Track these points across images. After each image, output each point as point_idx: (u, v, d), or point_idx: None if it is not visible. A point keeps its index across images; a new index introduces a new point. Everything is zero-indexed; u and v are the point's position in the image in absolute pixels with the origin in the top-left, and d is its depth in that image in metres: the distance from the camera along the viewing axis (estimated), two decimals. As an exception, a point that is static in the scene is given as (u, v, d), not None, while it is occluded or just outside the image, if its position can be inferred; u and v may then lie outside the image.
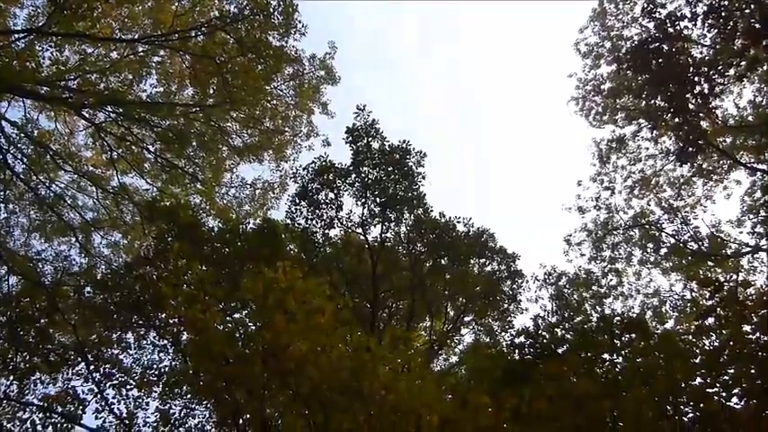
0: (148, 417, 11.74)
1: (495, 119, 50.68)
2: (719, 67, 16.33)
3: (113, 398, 11.73)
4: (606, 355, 12.18)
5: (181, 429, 11.59)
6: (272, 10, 16.82)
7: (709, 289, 11.07)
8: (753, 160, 21.39)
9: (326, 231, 17.72)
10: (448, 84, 50.78)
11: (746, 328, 10.23)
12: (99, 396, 11.60)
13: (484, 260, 19.40)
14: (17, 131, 18.55)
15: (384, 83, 48.74)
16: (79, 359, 11.99)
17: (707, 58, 16.79)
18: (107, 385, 11.82)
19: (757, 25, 14.94)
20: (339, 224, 17.69)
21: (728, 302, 10.53)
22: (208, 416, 11.79)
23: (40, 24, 15.99)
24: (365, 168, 17.44)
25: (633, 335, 12.10)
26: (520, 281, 19.54)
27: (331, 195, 17.48)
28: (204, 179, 20.98)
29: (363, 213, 17.58)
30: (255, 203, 21.79)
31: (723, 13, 15.26)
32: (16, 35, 16.13)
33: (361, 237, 17.97)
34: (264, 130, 20.64)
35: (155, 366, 12.64)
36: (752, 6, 15.13)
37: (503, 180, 49.51)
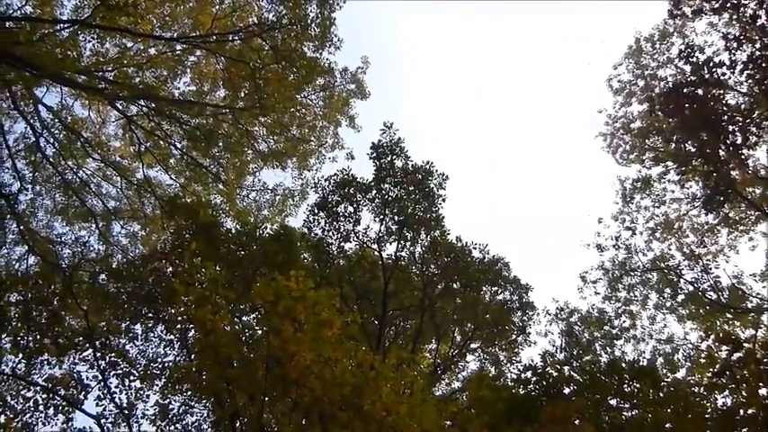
0: (148, 409, 11.84)
1: (518, 146, 50.56)
2: (755, 117, 16.11)
3: (116, 387, 11.82)
4: (613, 401, 11.94)
5: (178, 425, 11.61)
6: (309, 22, 17.05)
7: (728, 346, 10.82)
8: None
9: (342, 244, 17.80)
10: (471, 110, 50.89)
11: (763, 391, 9.95)
12: (102, 383, 11.67)
13: (496, 288, 19.25)
14: (52, 116, 18.98)
15: (406, 104, 48.95)
16: (87, 345, 12.09)
17: (742, 106, 16.58)
18: (111, 374, 11.90)
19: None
20: (355, 238, 17.76)
21: (746, 361, 10.27)
22: (206, 415, 11.82)
23: (85, 16, 16.40)
24: (386, 185, 17.51)
25: (643, 382, 11.86)
26: (531, 313, 19.36)
27: (350, 209, 17.57)
28: (227, 180, 21.19)
29: (380, 230, 17.63)
30: (274, 209, 21.93)
31: (763, 64, 15.08)
32: (62, 25, 16.55)
33: (376, 253, 17.99)
34: (290, 138, 20.81)
35: (159, 360, 12.75)
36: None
37: (521, 208, 49.25)
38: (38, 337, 12.15)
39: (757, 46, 15.05)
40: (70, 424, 11.37)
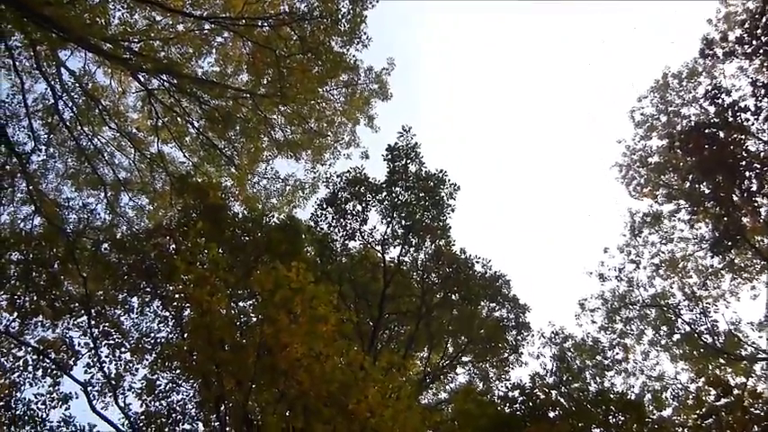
0: (135, 383, 11.85)
1: (533, 160, 50.48)
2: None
3: (106, 356, 11.86)
4: (597, 431, 11.89)
5: (163, 402, 11.60)
6: (340, 16, 17.08)
7: (717, 390, 10.79)
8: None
9: (346, 242, 17.82)
10: (490, 121, 50.85)
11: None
12: (93, 352, 11.71)
13: (494, 305, 19.22)
14: (73, 81, 19.05)
15: (425, 109, 48.98)
16: (82, 312, 12.13)
17: (762, 154, 16.51)
18: (103, 343, 11.95)
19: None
20: (360, 237, 17.76)
21: (734, 407, 10.22)
22: (192, 395, 11.80)
23: (118, -16, 16.49)
24: (398, 189, 17.51)
25: (629, 416, 11.81)
26: (526, 333, 19.30)
27: (359, 208, 17.56)
28: (239, 164, 21.22)
29: (386, 232, 17.63)
30: (283, 199, 21.95)
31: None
32: (93, -10, 16.63)
33: (379, 254, 17.98)
34: (308, 130, 20.84)
35: (152, 335, 12.73)
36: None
37: (527, 224, 49.07)
38: (35, 298, 12.20)
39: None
40: (57, 388, 11.40)
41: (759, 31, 15.25)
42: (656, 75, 22.66)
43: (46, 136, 19.48)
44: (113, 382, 11.55)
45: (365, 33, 17.80)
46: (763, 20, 15.11)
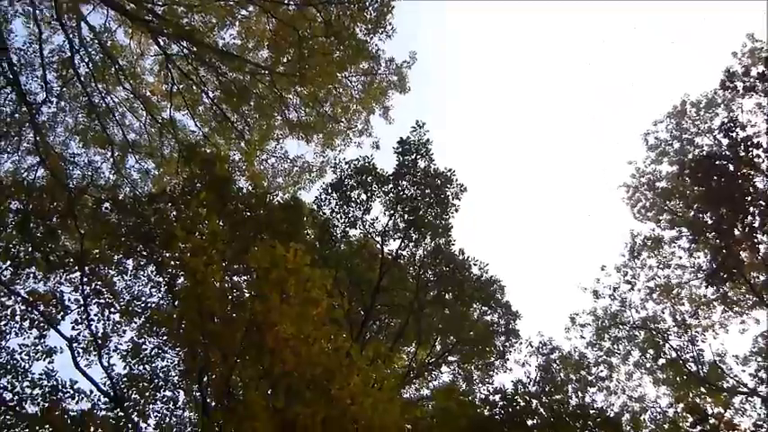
0: (121, 344, 11.85)
1: (542, 167, 50.43)
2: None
3: (95, 315, 11.83)
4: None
5: (147, 366, 11.63)
6: (367, 4, 17.00)
7: (695, 417, 10.87)
8: (779, 306, 20.93)
9: (347, 229, 17.80)
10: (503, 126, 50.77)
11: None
12: (82, 309, 11.70)
13: (486, 309, 19.24)
14: (92, 36, 18.97)
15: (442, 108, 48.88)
16: (76, 268, 12.11)
17: (768, 191, 16.52)
18: (93, 301, 11.91)
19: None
20: (362, 226, 17.74)
21: (708, 436, 10.29)
22: (177, 363, 11.82)
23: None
24: (404, 182, 17.48)
25: (605, 433, 11.87)
26: (514, 340, 19.34)
27: (363, 196, 17.54)
28: (250, 140, 21.18)
29: (388, 224, 17.61)
30: (289, 179, 21.95)
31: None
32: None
33: (378, 245, 17.98)
34: (322, 114, 20.79)
35: (143, 299, 12.73)
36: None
37: (526, 235, 49.02)
38: (30, 249, 12.17)
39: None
40: (42, 340, 11.39)
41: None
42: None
43: (59, 89, 19.43)
44: (99, 341, 11.52)
45: (390, 24, 17.74)
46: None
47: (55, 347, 11.35)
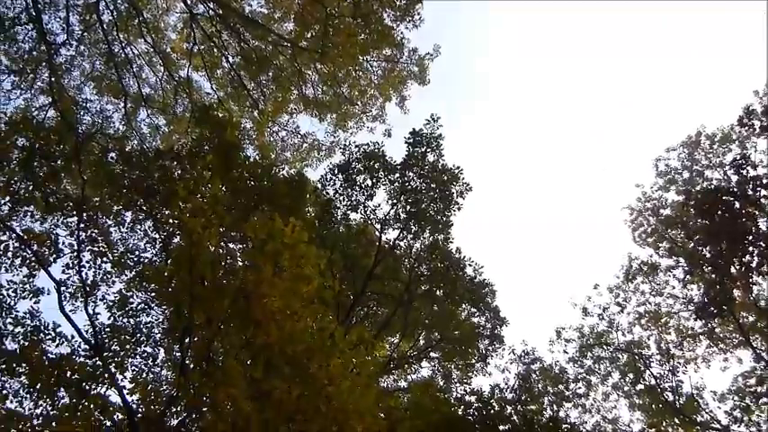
0: (108, 294, 11.87)
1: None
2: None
3: (87, 262, 11.84)
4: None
5: (131, 320, 11.66)
6: (399, -10, 16.88)
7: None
8: (764, 348, 20.98)
9: (348, 212, 17.79)
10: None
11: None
12: (75, 254, 11.70)
13: (475, 310, 19.27)
14: (120, -15, 18.85)
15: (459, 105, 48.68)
16: (74, 213, 12.10)
17: (770, 234, 16.51)
18: (87, 248, 11.92)
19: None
20: (363, 211, 17.72)
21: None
22: (161, 321, 11.85)
23: None
24: (411, 174, 17.43)
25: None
26: (497, 345, 19.39)
27: (369, 182, 17.51)
28: (263, 110, 21.09)
29: (389, 213, 17.60)
30: (297, 155, 21.89)
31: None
32: None
33: (377, 232, 17.98)
34: (339, 94, 20.68)
35: (137, 253, 12.73)
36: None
37: (525, 241, 48.98)
38: (31, 187, 12.15)
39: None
40: (31, 280, 11.42)
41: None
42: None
43: (80, 33, 19.33)
44: (88, 289, 11.54)
45: (419, 14, 17.62)
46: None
47: (42, 288, 11.37)
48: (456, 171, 17.44)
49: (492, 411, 13.77)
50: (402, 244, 18.30)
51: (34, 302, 11.19)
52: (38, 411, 9.74)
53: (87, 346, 10.75)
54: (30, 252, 11.53)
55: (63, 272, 11.59)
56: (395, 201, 17.51)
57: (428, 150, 17.39)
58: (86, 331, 11.02)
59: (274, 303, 9.66)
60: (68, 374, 9.92)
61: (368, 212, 17.73)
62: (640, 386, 22.11)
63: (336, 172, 17.59)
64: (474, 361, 19.25)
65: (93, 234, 12.18)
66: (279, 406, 9.26)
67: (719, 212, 16.26)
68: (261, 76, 20.29)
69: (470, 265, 18.67)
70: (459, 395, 15.60)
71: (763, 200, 16.13)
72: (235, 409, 9.03)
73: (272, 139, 21.72)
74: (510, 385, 18.76)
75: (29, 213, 12.13)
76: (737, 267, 16.71)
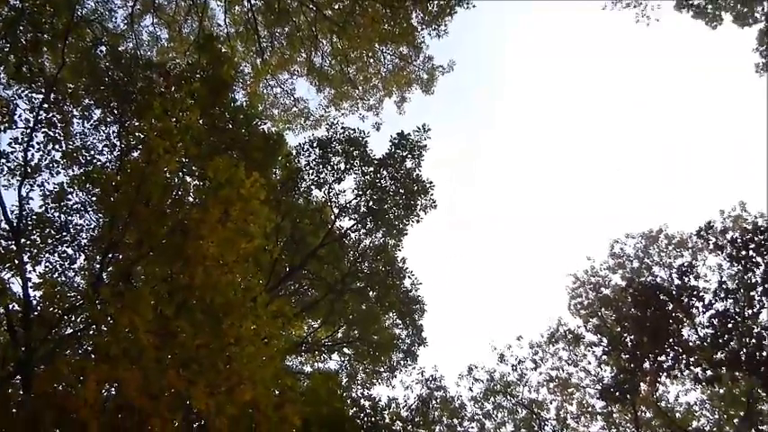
0: (48, 183, 11.52)
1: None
2: (690, 359, 16.68)
3: (38, 143, 11.42)
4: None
5: (62, 216, 11.31)
6: (435, -3, 16.88)
7: None
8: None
9: (312, 187, 17.66)
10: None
11: None
12: (29, 131, 11.27)
13: (400, 323, 19.40)
14: None
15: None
16: (42, 90, 11.70)
17: (690, 343, 17.14)
18: (42, 129, 11.50)
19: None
20: (327, 192, 17.63)
21: None
22: (92, 227, 11.54)
23: None
24: (385, 172, 17.43)
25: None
26: (409, 362, 19.57)
27: (342, 166, 17.42)
28: (266, 61, 20.77)
29: (351, 202, 17.55)
30: (284, 115, 21.63)
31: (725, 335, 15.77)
32: None
33: (333, 216, 17.90)
34: (344, 72, 20.53)
35: (92, 153, 12.38)
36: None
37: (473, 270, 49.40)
38: (8, 49, 11.67)
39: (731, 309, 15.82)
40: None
41: (750, 246, 15.95)
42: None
43: None
44: (29, 170, 11.16)
45: (446, 26, 17.65)
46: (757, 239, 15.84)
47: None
48: (427, 185, 17.54)
49: (381, 422, 13.87)
50: (353, 236, 18.30)
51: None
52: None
53: (7, 228, 10.38)
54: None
55: (9, 144, 11.20)
56: (361, 192, 17.49)
57: (408, 156, 17.42)
58: (11, 212, 10.65)
59: (210, 248, 9.51)
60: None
61: (331, 194, 17.67)
62: (526, 444, 22.60)
63: (315, 145, 17.47)
64: (382, 369, 19.38)
65: (55, 119, 11.77)
66: (178, 349, 9.10)
67: (652, 308, 16.82)
68: (276, 28, 19.98)
69: (410, 278, 18.84)
70: (355, 396, 15.66)
71: (693, 310, 16.77)
72: (134, 338, 8.84)
73: (264, 91, 21.42)
74: (408, 404, 18.96)
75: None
76: (651, 363, 17.28)
